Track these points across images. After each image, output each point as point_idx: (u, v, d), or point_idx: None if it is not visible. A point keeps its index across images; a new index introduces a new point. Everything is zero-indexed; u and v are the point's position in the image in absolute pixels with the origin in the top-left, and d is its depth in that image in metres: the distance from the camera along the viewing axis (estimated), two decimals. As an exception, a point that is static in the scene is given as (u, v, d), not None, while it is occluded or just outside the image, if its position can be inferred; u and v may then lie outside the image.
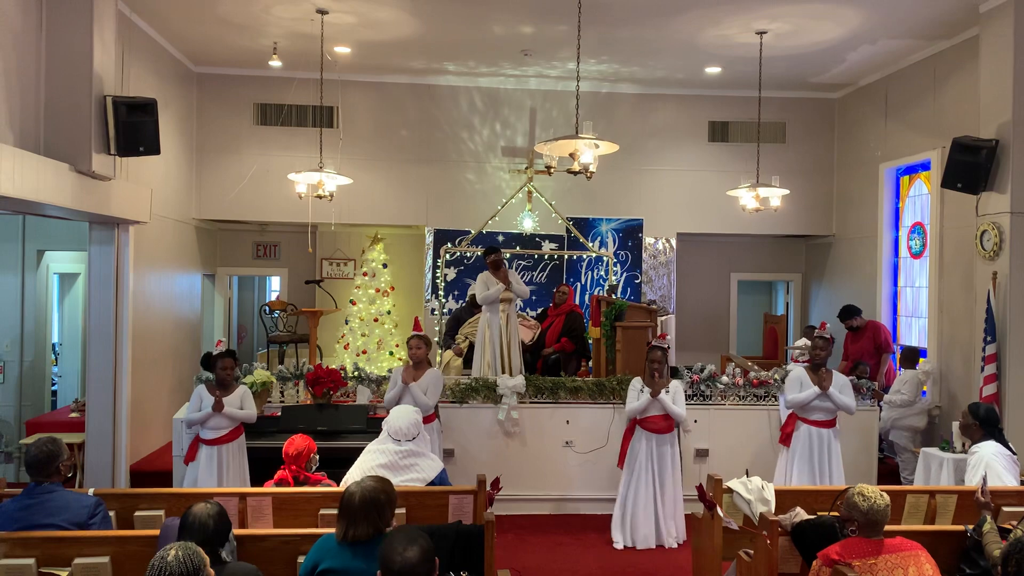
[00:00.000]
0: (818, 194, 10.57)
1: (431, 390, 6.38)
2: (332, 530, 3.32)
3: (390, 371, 6.87)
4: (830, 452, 6.32)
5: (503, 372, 7.48)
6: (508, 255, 8.84)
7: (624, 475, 6.49)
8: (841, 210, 10.49)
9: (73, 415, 7.80)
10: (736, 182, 8.61)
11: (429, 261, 10.18)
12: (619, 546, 6.40)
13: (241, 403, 6.02)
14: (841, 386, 6.32)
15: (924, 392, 8.19)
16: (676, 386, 6.45)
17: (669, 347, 6.63)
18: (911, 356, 8.09)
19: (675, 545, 6.41)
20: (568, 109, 10.19)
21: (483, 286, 7.53)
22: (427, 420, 5.96)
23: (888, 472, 8.01)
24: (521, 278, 8.65)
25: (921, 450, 6.97)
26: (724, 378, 7.53)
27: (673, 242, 10.60)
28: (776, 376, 7.53)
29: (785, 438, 6.43)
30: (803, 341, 9.61)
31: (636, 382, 6.50)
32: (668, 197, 10.49)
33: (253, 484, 5.90)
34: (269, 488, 4.62)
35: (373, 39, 8.51)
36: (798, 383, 6.35)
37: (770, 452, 7.36)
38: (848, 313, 8.70)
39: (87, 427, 6.98)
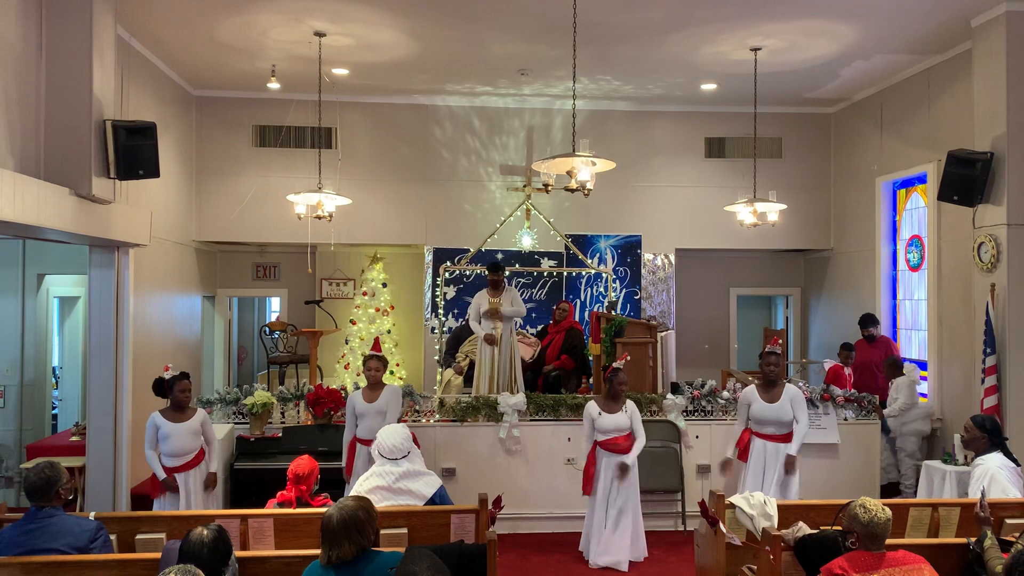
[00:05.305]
0: (815, 208, 10.61)
1: (391, 409, 6.24)
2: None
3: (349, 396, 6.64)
4: (783, 465, 6.24)
5: (498, 389, 7.49)
6: (508, 272, 8.84)
7: (593, 498, 6.35)
8: (839, 224, 10.52)
9: (74, 439, 7.78)
10: (733, 197, 8.65)
11: (429, 280, 10.20)
12: (599, 566, 6.27)
13: (202, 428, 5.90)
14: (792, 399, 6.27)
15: (926, 397, 8.22)
16: (633, 407, 6.41)
17: (623, 367, 6.51)
18: (895, 365, 8.16)
19: (641, 559, 6.37)
20: (565, 127, 10.26)
21: (476, 304, 7.77)
22: None
23: (894, 486, 8.00)
24: (520, 295, 8.68)
25: (924, 463, 6.96)
26: (725, 393, 7.52)
27: (672, 258, 10.62)
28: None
29: (742, 453, 6.43)
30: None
31: (591, 407, 6.37)
32: (666, 213, 10.53)
33: (252, 506, 5.87)
34: (270, 509, 4.61)
35: (371, 61, 8.57)
36: (746, 405, 6.40)
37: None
38: (871, 320, 8.75)
39: (88, 451, 6.95)
